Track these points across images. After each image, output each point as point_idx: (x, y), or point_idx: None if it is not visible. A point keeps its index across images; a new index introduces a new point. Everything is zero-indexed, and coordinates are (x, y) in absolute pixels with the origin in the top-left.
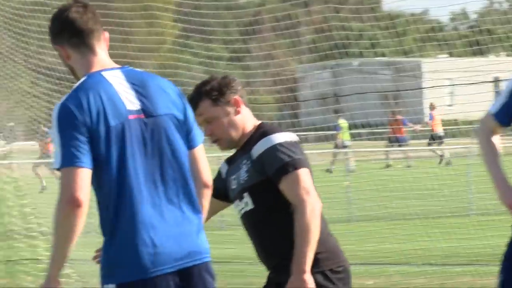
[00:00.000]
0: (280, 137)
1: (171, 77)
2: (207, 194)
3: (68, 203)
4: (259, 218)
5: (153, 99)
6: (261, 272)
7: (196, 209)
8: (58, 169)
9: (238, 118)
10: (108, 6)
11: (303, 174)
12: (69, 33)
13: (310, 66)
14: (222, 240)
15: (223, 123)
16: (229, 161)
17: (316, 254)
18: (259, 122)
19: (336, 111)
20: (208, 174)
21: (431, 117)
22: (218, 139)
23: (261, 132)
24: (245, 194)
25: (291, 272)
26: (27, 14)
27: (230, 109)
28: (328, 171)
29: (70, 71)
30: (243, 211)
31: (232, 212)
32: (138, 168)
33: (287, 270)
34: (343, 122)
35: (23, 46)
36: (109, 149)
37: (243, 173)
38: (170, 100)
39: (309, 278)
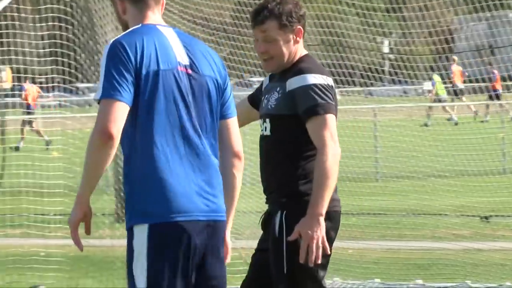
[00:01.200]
0: (317, 78)
1: (327, 28)
2: (238, 165)
3: (100, 135)
4: (271, 146)
5: (199, 60)
6: (415, 224)
7: (211, 170)
8: (98, 101)
9: (294, 47)
10: None
11: (331, 119)
12: None
13: (466, 18)
14: (376, 191)
15: (281, 46)
16: (271, 78)
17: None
18: (304, 53)
19: (490, 63)
20: (239, 145)
21: None
22: (269, 58)
23: (301, 67)
24: (267, 119)
25: (307, 213)
26: None
27: (291, 37)
28: (425, 125)
29: (123, 27)
30: (261, 133)
31: (386, 164)
32: (181, 116)
33: (279, 203)
34: (436, 78)
35: None
36: (156, 92)
37: (272, 99)
38: (214, 66)
39: (323, 221)
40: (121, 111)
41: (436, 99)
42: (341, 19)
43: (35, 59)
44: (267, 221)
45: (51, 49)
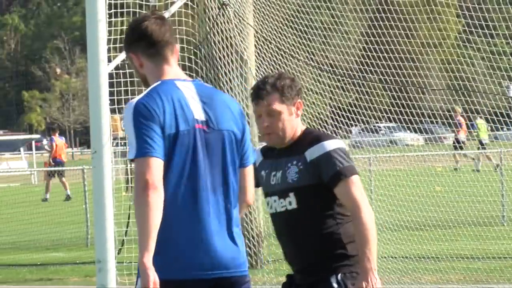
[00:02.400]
0: (336, 143)
1: (453, 73)
2: (244, 210)
3: (143, 189)
4: (301, 217)
5: (217, 114)
6: None
7: (233, 225)
8: (131, 160)
9: (295, 120)
10: (392, 1)
11: (358, 180)
12: (146, 43)
13: None
14: (502, 235)
15: (284, 120)
16: (265, 154)
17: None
18: (305, 127)
19: None
20: (252, 194)
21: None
22: (272, 133)
23: (314, 136)
24: (291, 194)
25: (360, 272)
26: (310, 11)
27: (293, 110)
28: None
29: (142, 80)
30: (283, 209)
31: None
32: (197, 175)
33: (329, 269)
34: (480, 122)
35: (306, 43)
36: (174, 152)
37: (292, 173)
38: (232, 117)
39: (377, 275)
40: (158, 165)
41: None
42: (467, 63)
43: None
44: None
45: None
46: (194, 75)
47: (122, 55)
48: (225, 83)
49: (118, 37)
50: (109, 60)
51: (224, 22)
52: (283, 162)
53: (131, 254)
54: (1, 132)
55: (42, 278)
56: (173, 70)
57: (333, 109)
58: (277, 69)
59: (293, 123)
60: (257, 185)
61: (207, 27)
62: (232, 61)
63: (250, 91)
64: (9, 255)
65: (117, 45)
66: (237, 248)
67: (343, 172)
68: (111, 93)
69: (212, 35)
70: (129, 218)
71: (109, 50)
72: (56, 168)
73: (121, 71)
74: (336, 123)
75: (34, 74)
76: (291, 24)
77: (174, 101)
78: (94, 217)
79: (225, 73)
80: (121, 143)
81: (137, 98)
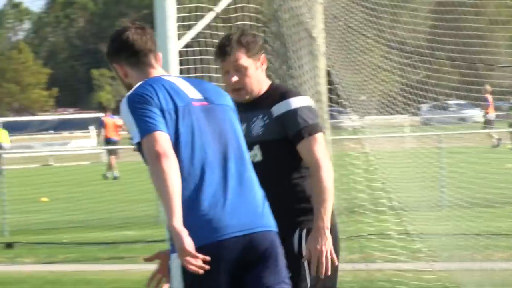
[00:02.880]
0: (302, 101)
1: None
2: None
3: (156, 158)
4: (266, 170)
5: (212, 94)
6: None
7: (254, 185)
8: (138, 143)
9: (261, 75)
10: None
11: (321, 138)
12: (127, 53)
13: None
14: None
15: (251, 74)
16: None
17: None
18: (271, 82)
19: None
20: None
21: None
22: (241, 88)
23: (281, 93)
24: (255, 147)
25: (313, 229)
26: None
27: (258, 65)
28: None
29: (127, 88)
30: None
31: None
32: (207, 143)
33: (292, 223)
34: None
35: (374, 21)
36: (178, 125)
37: (257, 127)
38: (227, 98)
39: (329, 234)
40: (164, 137)
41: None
42: None
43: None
44: None
45: None
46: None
47: (191, 33)
48: (296, 59)
49: (187, 14)
50: (179, 38)
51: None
52: (248, 116)
53: None
54: (71, 110)
55: (113, 256)
56: (158, 71)
57: (403, 86)
58: (347, 46)
59: (259, 78)
60: None
61: (275, 4)
62: (301, 38)
63: (216, 49)
64: (80, 234)
65: (186, 23)
66: (256, 207)
67: (307, 130)
68: (180, 71)
69: (280, 12)
70: None
71: (178, 28)
72: (117, 147)
73: (190, 48)
74: (406, 100)
75: (103, 52)
76: (360, 1)
77: (165, 87)
78: None
79: (294, 51)
80: None
81: (128, 93)
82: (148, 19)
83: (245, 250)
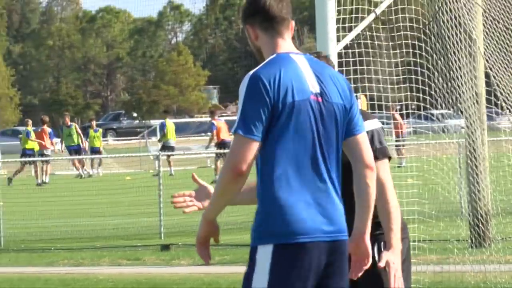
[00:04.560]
0: (375, 124)
1: None
2: (370, 175)
3: (232, 172)
4: (344, 191)
5: (328, 86)
6: None
7: (339, 193)
8: (233, 133)
9: None
10: None
11: (387, 163)
12: (262, 17)
13: None
14: None
15: None
16: None
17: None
18: None
19: None
20: (370, 157)
21: None
22: None
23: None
24: None
25: (389, 246)
26: None
27: None
28: None
29: (256, 52)
30: None
31: None
32: (314, 142)
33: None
34: None
35: None
36: (291, 121)
37: None
38: (342, 90)
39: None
40: (253, 150)
41: None
42: None
43: (389, 86)
44: None
45: (405, 76)
46: (423, 54)
47: (351, 35)
48: (453, 62)
49: (347, 16)
50: (338, 40)
51: (452, 1)
52: None
53: None
54: (229, 112)
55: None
56: (287, 44)
57: None
58: (506, 48)
59: None
60: None
61: (436, 6)
62: (460, 40)
63: None
64: (235, 236)
65: (346, 25)
66: (341, 215)
67: (380, 152)
68: (339, 72)
69: (440, 14)
70: None
71: (338, 30)
72: (222, 151)
73: (350, 50)
74: None
75: None
76: None
77: (290, 72)
78: None
79: (454, 52)
80: None
81: (255, 69)
82: (309, 21)
83: (330, 256)
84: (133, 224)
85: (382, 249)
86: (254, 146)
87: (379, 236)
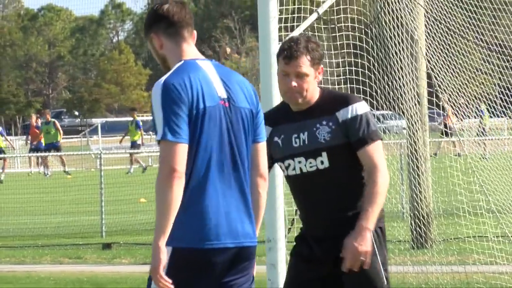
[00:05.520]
0: (366, 107)
1: None
2: (263, 185)
3: (169, 175)
4: (334, 176)
5: (235, 92)
6: None
7: (248, 198)
8: (159, 141)
9: (315, 84)
10: None
11: (381, 144)
12: (166, 23)
13: None
14: None
15: (309, 83)
16: (275, 121)
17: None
18: (319, 88)
19: None
20: (265, 166)
21: None
22: (297, 93)
23: (342, 98)
24: (323, 153)
25: (356, 226)
26: None
27: (316, 75)
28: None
29: (161, 61)
30: (313, 169)
31: None
32: (224, 149)
33: (348, 226)
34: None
35: (474, 23)
36: (203, 128)
37: (324, 133)
38: (248, 95)
39: (370, 236)
40: (183, 152)
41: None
42: None
43: (330, 86)
44: (332, 245)
45: (346, 77)
46: (365, 54)
47: (293, 34)
48: (395, 62)
49: (289, 16)
50: (280, 39)
51: (394, 2)
52: (308, 124)
53: None
54: None
55: None
56: (192, 49)
57: (502, 90)
58: (447, 49)
59: (315, 86)
60: (270, 154)
61: (378, 7)
62: (402, 40)
63: (282, 50)
64: None
65: (288, 24)
66: (252, 220)
67: (370, 136)
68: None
69: (382, 14)
70: None
71: (280, 29)
72: None
73: None
74: (505, 103)
75: (205, 54)
76: (461, 4)
77: (199, 79)
78: None
79: (395, 52)
80: None
81: (164, 77)
82: (250, 20)
83: (231, 262)
84: (74, 223)
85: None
86: (185, 149)
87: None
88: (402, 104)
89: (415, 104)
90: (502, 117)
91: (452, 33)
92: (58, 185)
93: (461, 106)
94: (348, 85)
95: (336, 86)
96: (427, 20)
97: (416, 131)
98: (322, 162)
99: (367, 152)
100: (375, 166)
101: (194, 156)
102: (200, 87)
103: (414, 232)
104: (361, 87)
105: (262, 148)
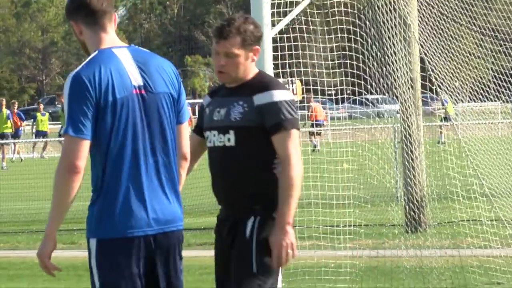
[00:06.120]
0: (284, 94)
1: None
2: (185, 165)
3: (68, 169)
4: (236, 155)
5: (153, 77)
6: None
7: (175, 182)
8: (64, 134)
9: (250, 64)
10: None
11: (296, 134)
12: (84, 11)
13: None
14: None
15: (239, 63)
16: (213, 93)
17: None
18: (259, 70)
19: None
20: (187, 148)
21: None
22: (225, 72)
23: (265, 82)
24: (231, 131)
25: (276, 222)
26: None
27: (250, 55)
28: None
29: (82, 46)
30: (221, 144)
31: None
32: (137, 137)
33: (250, 210)
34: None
35: (467, 8)
36: (114, 119)
37: (236, 112)
38: (168, 79)
39: (291, 230)
40: (85, 148)
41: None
42: None
43: (324, 71)
44: (230, 227)
45: (340, 61)
46: (358, 39)
47: (286, 19)
48: (388, 47)
49: (282, 1)
50: (273, 25)
51: None
52: (228, 101)
53: (295, 218)
54: None
55: (206, 242)
56: (109, 37)
57: (495, 74)
58: (440, 34)
59: (247, 67)
60: (201, 125)
61: None
62: (395, 25)
63: (214, 28)
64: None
65: (281, 10)
66: (174, 205)
67: (284, 124)
68: (275, 57)
69: (381, 14)
70: None
71: (272, 15)
72: None
73: (285, 35)
74: (498, 87)
75: (197, 39)
76: None
77: (111, 69)
78: None
79: (389, 37)
80: None
81: (76, 69)
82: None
83: (157, 248)
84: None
85: (256, 225)
86: (85, 144)
87: (258, 210)
88: (395, 88)
89: (409, 88)
90: (495, 101)
91: (445, 17)
92: (52, 171)
93: (454, 90)
94: (343, 70)
95: (330, 71)
96: (420, 4)
97: (410, 115)
98: (229, 140)
99: (279, 140)
100: (287, 156)
101: (107, 148)
102: (110, 78)
103: (408, 215)
104: (355, 71)
105: (183, 129)
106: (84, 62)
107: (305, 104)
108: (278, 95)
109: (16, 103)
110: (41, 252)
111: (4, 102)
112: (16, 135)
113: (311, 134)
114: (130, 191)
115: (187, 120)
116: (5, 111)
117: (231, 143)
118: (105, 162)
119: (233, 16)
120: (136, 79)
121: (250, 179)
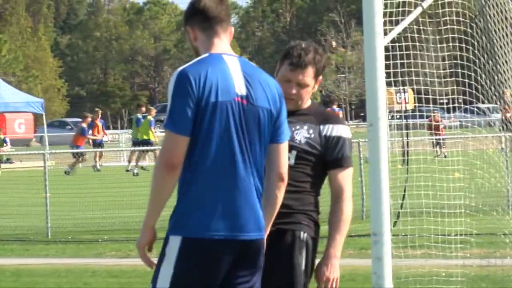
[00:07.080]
0: (349, 132)
1: None
2: (281, 186)
3: (165, 166)
4: (292, 175)
5: (257, 90)
6: None
7: (260, 193)
8: (164, 129)
9: (311, 93)
10: None
11: (351, 172)
12: (202, 17)
13: None
14: None
15: (307, 93)
16: None
17: None
18: (312, 100)
19: None
20: (285, 169)
21: None
22: (294, 99)
23: (330, 115)
24: (293, 151)
25: (325, 253)
26: None
27: (315, 86)
28: None
29: (194, 52)
30: None
31: None
32: (233, 144)
33: (300, 224)
34: None
35: None
36: (213, 121)
37: (301, 136)
38: (271, 96)
39: (337, 263)
40: (183, 145)
41: None
42: None
43: (436, 80)
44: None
45: (452, 70)
46: (470, 48)
47: (398, 28)
48: (500, 56)
49: (394, 10)
50: (385, 33)
51: None
52: (292, 122)
53: (407, 227)
54: None
55: None
56: (222, 44)
57: None
58: None
59: (309, 95)
60: None
61: (483, 0)
62: (507, 34)
63: (290, 55)
64: None
65: (393, 18)
66: (260, 215)
67: (346, 161)
68: (387, 66)
69: (487, 8)
70: (404, 191)
71: (385, 23)
72: None
73: (397, 44)
74: None
75: None
76: None
77: (218, 73)
78: (370, 190)
79: (501, 46)
80: (396, 116)
81: (184, 66)
82: (356, 15)
83: (240, 254)
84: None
85: (307, 241)
86: (183, 141)
87: (304, 227)
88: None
89: None
90: None
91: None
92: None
93: None
94: (455, 78)
95: (442, 80)
96: None
97: None
98: (288, 159)
99: (339, 175)
100: (344, 192)
101: (195, 148)
102: (216, 80)
103: None
104: (466, 80)
105: (282, 148)
106: (193, 61)
107: (424, 113)
108: (346, 132)
109: (100, 111)
110: (138, 243)
111: (100, 112)
112: (100, 144)
113: (437, 143)
114: (221, 196)
115: (287, 141)
116: (149, 117)
117: (290, 161)
118: (197, 160)
119: (305, 45)
120: (240, 88)
121: (302, 197)
